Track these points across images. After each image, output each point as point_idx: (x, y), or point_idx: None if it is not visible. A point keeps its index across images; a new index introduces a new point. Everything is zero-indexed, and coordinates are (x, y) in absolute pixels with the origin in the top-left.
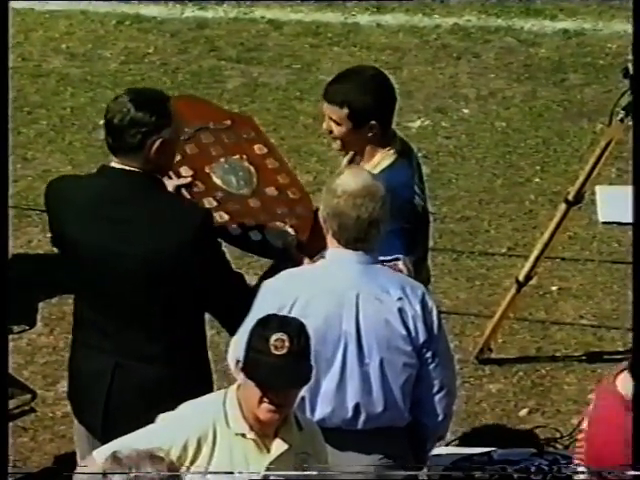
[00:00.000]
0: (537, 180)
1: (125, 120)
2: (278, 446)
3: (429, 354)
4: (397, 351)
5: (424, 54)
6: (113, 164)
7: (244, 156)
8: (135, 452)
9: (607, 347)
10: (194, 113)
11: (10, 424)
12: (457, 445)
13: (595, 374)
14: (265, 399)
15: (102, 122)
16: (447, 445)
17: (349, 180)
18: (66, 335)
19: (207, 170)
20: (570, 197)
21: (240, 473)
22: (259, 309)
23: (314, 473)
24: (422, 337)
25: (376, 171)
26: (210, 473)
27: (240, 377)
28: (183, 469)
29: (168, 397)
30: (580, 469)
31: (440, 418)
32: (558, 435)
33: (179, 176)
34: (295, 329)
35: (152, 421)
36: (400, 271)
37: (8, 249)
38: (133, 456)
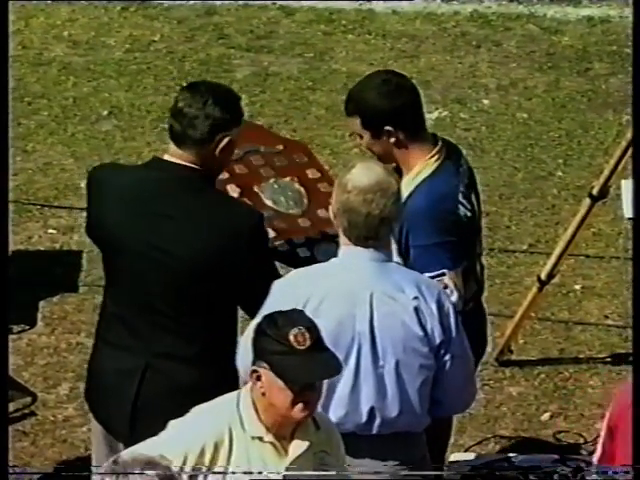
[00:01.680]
0: (560, 174)
1: (202, 111)
2: (296, 448)
3: (447, 356)
4: (413, 352)
5: (442, 42)
6: (167, 157)
7: (295, 178)
8: (132, 457)
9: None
10: (245, 136)
11: (10, 428)
12: (476, 451)
13: (620, 377)
14: (299, 399)
15: (106, 113)
16: (466, 451)
17: (360, 175)
18: (68, 335)
19: (256, 189)
20: (594, 192)
21: (244, 473)
22: (270, 309)
23: (332, 473)
24: (439, 338)
25: (417, 181)
26: (205, 473)
27: (259, 384)
28: (200, 477)
29: (200, 399)
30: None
31: (454, 414)
32: (582, 440)
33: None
34: (306, 321)
35: None
36: (446, 286)
37: (8, 245)
38: (128, 462)
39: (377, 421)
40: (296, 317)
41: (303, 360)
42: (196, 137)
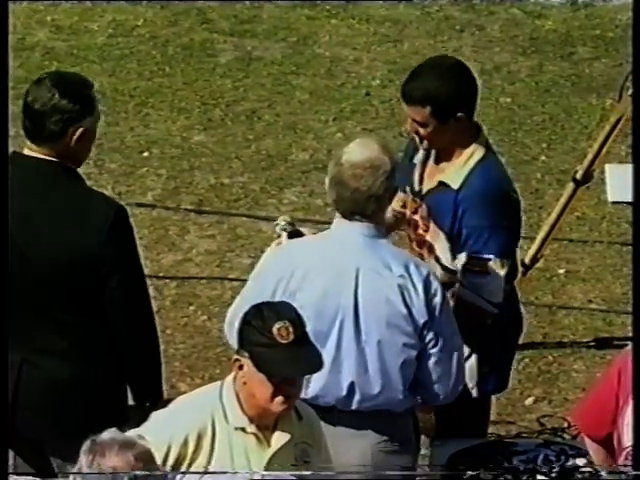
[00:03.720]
0: (544, 158)
1: (48, 105)
2: (278, 439)
3: (430, 336)
4: (396, 330)
5: (425, 26)
6: (27, 151)
7: None
8: (110, 437)
9: (617, 332)
10: None
11: None
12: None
13: (604, 360)
14: (278, 392)
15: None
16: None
17: (355, 149)
18: None
19: None
20: (578, 176)
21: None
22: (258, 278)
23: (308, 473)
24: (423, 318)
25: (469, 165)
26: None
27: (241, 373)
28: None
29: (77, 394)
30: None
31: (442, 400)
32: (566, 425)
33: None
34: (292, 314)
35: (61, 419)
36: (487, 273)
37: (8, 245)
38: (106, 441)
39: (357, 396)
40: (282, 310)
41: (285, 354)
42: (46, 133)
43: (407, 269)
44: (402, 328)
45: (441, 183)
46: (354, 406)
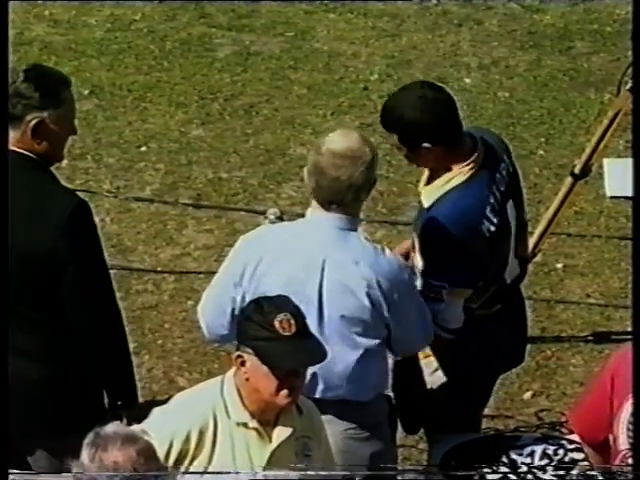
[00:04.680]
0: (542, 153)
1: (11, 88)
2: (280, 433)
3: (396, 330)
4: (360, 323)
5: (424, 21)
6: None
7: None
8: (114, 430)
9: (615, 327)
10: None
11: None
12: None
13: (602, 355)
14: (283, 385)
15: (87, 92)
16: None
17: (335, 139)
18: None
19: None
20: (576, 170)
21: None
22: (229, 260)
23: (311, 473)
24: (387, 312)
25: (446, 188)
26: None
27: (243, 369)
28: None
29: (46, 395)
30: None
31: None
32: (564, 419)
33: None
34: (291, 307)
35: (32, 418)
36: (442, 300)
37: (8, 245)
38: (110, 435)
39: (320, 386)
40: (282, 303)
41: (288, 346)
42: (10, 117)
43: (375, 262)
44: (365, 321)
45: (420, 201)
46: (317, 395)
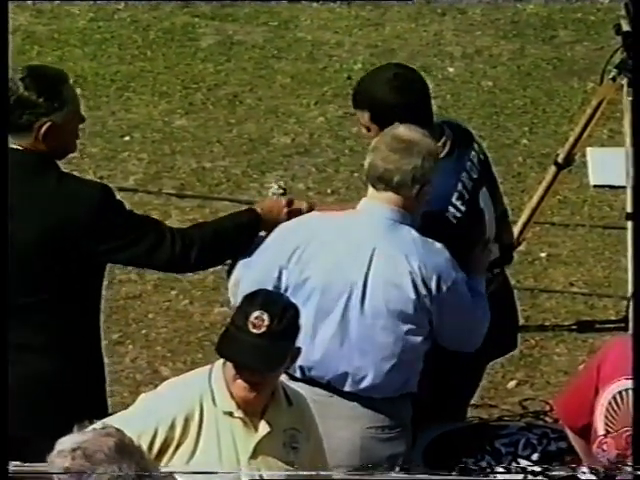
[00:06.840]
0: (525, 142)
1: (12, 100)
2: (265, 425)
3: (441, 328)
4: (402, 316)
5: (407, 10)
6: (11, 143)
7: None
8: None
9: (599, 316)
10: None
11: None
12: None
13: (586, 344)
14: (238, 376)
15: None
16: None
17: (404, 129)
18: None
19: None
20: (560, 159)
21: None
22: (274, 244)
23: (304, 473)
24: (433, 307)
25: None
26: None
27: None
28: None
29: (54, 391)
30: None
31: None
32: (548, 408)
33: None
34: (278, 308)
35: (43, 413)
36: None
37: (8, 245)
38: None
39: (351, 378)
40: (271, 301)
41: (249, 343)
42: (15, 127)
43: (424, 257)
44: (409, 315)
45: None
46: (347, 388)
